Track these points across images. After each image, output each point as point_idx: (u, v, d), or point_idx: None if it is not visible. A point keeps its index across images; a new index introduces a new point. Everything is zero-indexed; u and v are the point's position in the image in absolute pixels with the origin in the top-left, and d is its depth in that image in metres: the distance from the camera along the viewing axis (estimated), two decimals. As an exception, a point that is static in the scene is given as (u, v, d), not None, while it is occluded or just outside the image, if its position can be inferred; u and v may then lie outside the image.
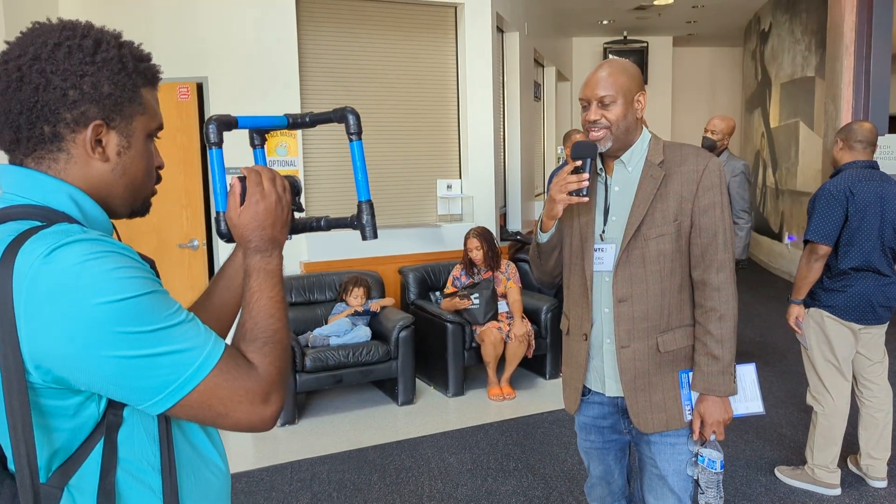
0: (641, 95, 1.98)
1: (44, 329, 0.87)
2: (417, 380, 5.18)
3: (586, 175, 1.90)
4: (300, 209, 1.28)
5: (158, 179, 1.13)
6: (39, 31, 0.98)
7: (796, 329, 3.43)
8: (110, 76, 0.99)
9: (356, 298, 4.93)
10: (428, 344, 5.04)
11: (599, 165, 2.05)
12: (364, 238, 1.29)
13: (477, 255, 4.96)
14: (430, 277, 5.39)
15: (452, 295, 4.99)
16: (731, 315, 1.96)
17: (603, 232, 2.03)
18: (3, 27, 4.78)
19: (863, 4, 6.93)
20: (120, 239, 1.10)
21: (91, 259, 0.88)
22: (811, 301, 3.37)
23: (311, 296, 5.10)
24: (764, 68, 10.16)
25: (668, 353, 2.00)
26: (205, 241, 5.27)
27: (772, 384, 5.02)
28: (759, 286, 8.48)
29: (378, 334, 4.83)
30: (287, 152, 5.20)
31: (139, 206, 1.11)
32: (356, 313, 4.87)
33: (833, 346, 3.31)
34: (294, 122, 1.31)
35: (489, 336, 4.75)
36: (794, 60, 8.74)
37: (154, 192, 1.13)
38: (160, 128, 1.10)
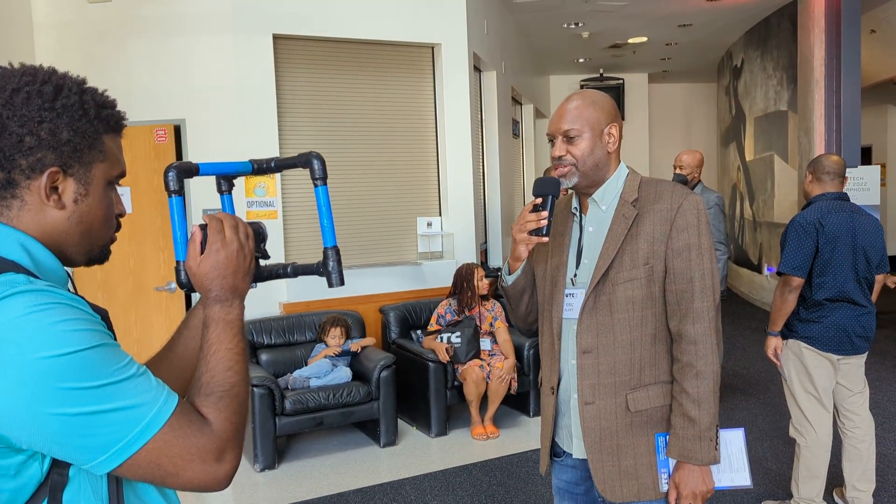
0: (613, 128, 1.85)
1: None
2: (400, 420, 5.11)
3: (546, 213, 1.79)
4: (265, 256, 1.26)
5: (118, 227, 1.11)
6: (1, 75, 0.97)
7: (775, 361, 3.43)
8: (70, 122, 0.98)
9: (335, 338, 4.88)
10: (410, 383, 4.99)
11: (575, 205, 1.95)
12: (330, 285, 1.27)
13: (483, 284, 4.96)
14: (411, 316, 5.36)
15: (435, 332, 4.95)
16: (709, 372, 1.76)
17: (574, 276, 1.89)
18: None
19: (831, 39, 7.11)
20: (75, 288, 1.08)
21: (35, 311, 0.85)
22: (788, 332, 3.37)
23: (291, 337, 5.05)
24: (738, 103, 10.35)
25: (641, 413, 1.82)
26: (183, 284, 5.21)
27: (756, 416, 5.00)
28: (740, 318, 8.51)
29: (359, 375, 4.78)
30: (265, 193, 5.20)
31: (96, 254, 1.08)
32: (337, 354, 4.82)
33: (812, 377, 3.31)
34: (259, 168, 1.29)
35: (471, 374, 4.71)
36: (766, 95, 8.91)
37: (113, 240, 1.10)
38: (122, 175, 1.09)
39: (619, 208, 1.86)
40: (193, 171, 1.18)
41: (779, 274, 3.33)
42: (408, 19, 5.60)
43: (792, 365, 3.37)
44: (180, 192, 1.15)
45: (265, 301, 5.21)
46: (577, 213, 1.95)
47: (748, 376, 6.03)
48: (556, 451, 2.01)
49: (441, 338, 4.89)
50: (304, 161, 1.25)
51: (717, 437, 1.80)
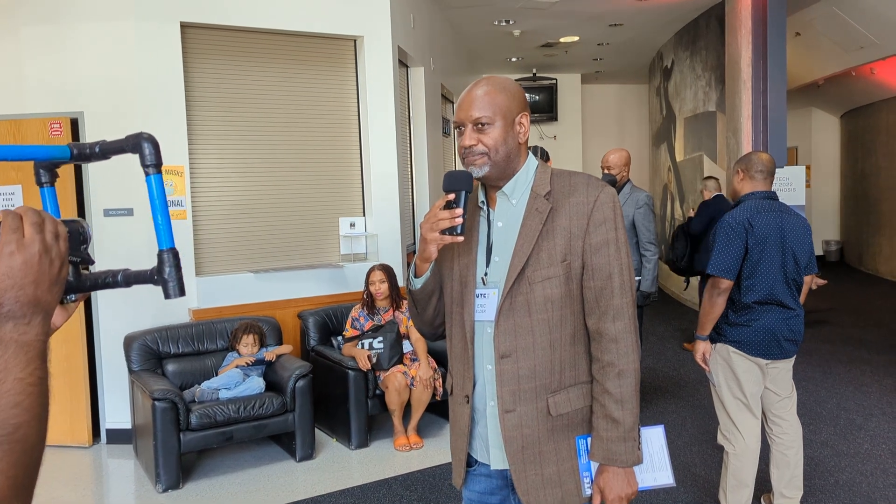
0: (524, 117, 1.74)
1: None
2: (320, 432, 4.84)
3: (460, 210, 1.64)
4: (87, 261, 1.00)
5: None
6: None
7: (704, 366, 3.31)
8: None
9: (247, 346, 4.57)
10: (329, 393, 4.71)
11: (482, 198, 1.80)
12: (167, 296, 1.02)
13: (380, 288, 4.68)
14: (332, 321, 5.08)
15: (354, 339, 4.69)
16: (631, 370, 1.68)
17: (485, 275, 1.75)
18: None
19: (758, 40, 7.14)
20: None
21: None
22: (717, 336, 3.25)
23: (201, 345, 4.71)
24: (668, 104, 10.41)
25: (562, 417, 1.72)
26: (81, 290, 4.81)
27: (685, 420, 4.91)
28: (671, 318, 8.52)
29: (273, 385, 4.48)
30: (173, 191, 4.84)
31: None
32: (250, 363, 4.50)
33: (741, 382, 3.19)
34: (80, 154, 1.04)
35: (393, 382, 4.47)
36: (695, 96, 8.96)
37: None
38: None
39: (530, 202, 1.74)
40: None
41: (707, 276, 3.20)
42: (328, 10, 5.32)
43: (720, 370, 3.25)
44: None
45: (172, 307, 4.85)
46: (485, 208, 1.80)
47: (678, 378, 5.97)
48: (467, 462, 1.86)
49: (362, 343, 4.64)
50: (132, 144, 1.01)
51: (639, 437, 1.73)
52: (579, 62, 11.26)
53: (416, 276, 1.81)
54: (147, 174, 1.01)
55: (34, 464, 0.80)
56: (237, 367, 4.47)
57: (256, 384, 4.39)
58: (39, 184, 1.07)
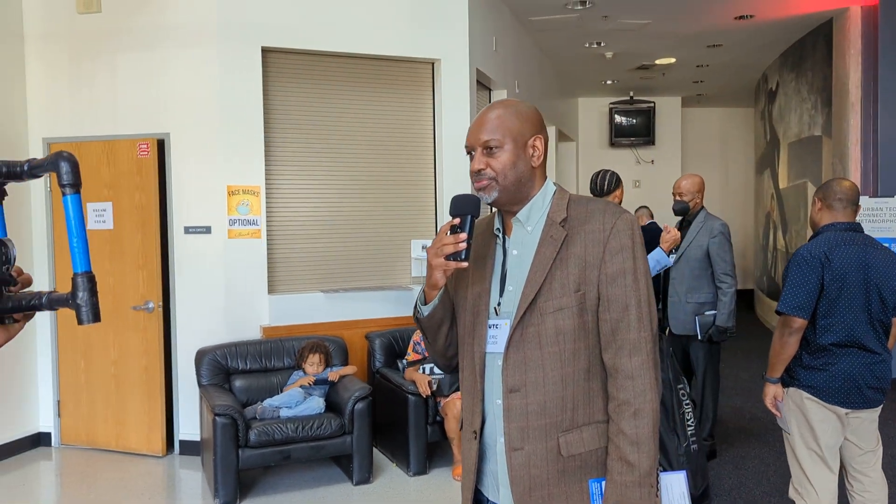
0: (538, 140, 1.66)
1: None
2: (380, 455, 4.79)
3: (464, 235, 1.57)
4: (7, 282, 0.99)
5: None
6: None
7: (775, 411, 3.03)
8: None
9: (313, 366, 4.59)
10: (391, 416, 4.66)
11: (497, 225, 1.73)
12: (80, 321, 0.99)
13: None
14: (398, 343, 5.04)
15: (416, 363, 4.63)
16: (648, 410, 1.57)
17: (498, 304, 1.67)
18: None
19: (868, 60, 6.65)
20: None
21: None
22: (790, 380, 2.97)
23: (269, 363, 4.78)
24: (772, 128, 9.87)
25: (574, 458, 1.62)
26: (160, 304, 5.00)
27: (767, 467, 4.53)
28: (764, 353, 7.95)
29: (333, 406, 4.47)
30: (249, 211, 4.97)
31: None
32: (312, 383, 4.52)
33: (816, 432, 2.89)
34: (10, 172, 1.01)
35: (452, 409, 4.36)
36: (801, 119, 8.43)
37: None
38: None
39: (546, 229, 1.66)
40: None
41: (778, 314, 2.94)
42: (405, 33, 5.36)
43: (793, 417, 2.96)
44: None
45: (245, 324, 4.96)
46: (501, 235, 1.73)
47: (766, 420, 5.53)
48: (478, 500, 1.77)
49: (423, 368, 4.57)
50: (51, 163, 0.98)
51: (657, 482, 1.61)
52: (678, 85, 10.88)
53: (423, 304, 1.74)
54: (63, 194, 0.98)
55: None
56: (300, 386, 4.50)
57: (316, 404, 4.40)
58: None
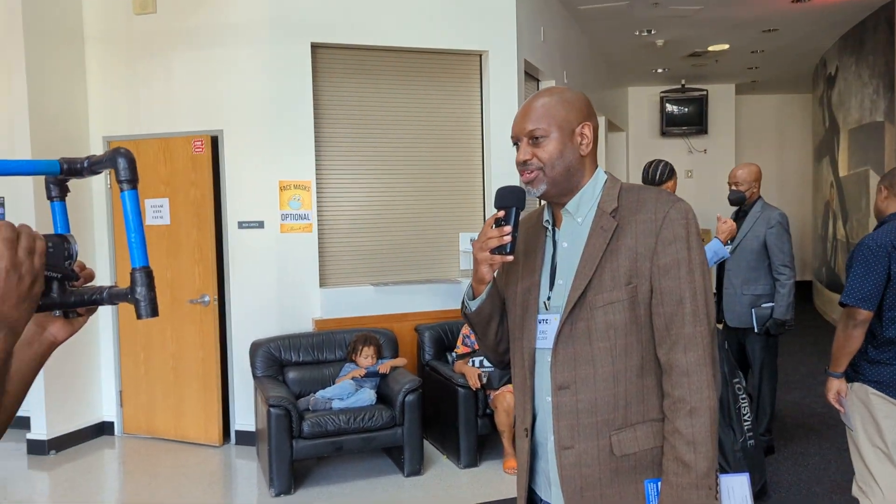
0: (586, 127, 1.61)
1: None
2: (430, 447, 4.82)
3: (509, 228, 1.55)
4: (70, 277, 1.00)
5: None
6: None
7: (838, 406, 2.93)
8: None
9: (366, 358, 4.64)
10: (441, 409, 4.68)
11: (547, 217, 1.69)
12: (139, 316, 1.00)
13: None
14: (447, 336, 5.06)
15: (466, 356, 4.64)
16: (705, 408, 1.50)
17: (548, 299, 1.63)
18: (25, 82, 4.86)
19: (933, 42, 6.37)
20: None
21: None
22: (854, 374, 2.87)
23: (321, 355, 4.85)
24: (831, 114, 9.54)
25: (628, 458, 1.56)
26: (216, 297, 5.12)
27: (828, 464, 4.40)
28: (827, 347, 7.71)
29: (384, 398, 4.51)
30: (300, 205, 5.03)
31: None
32: (363, 375, 4.57)
33: (881, 428, 2.80)
34: (70, 169, 1.03)
35: (502, 402, 4.36)
36: (861, 105, 8.13)
37: None
38: None
39: (596, 219, 1.61)
40: None
41: (842, 305, 2.84)
42: (452, 26, 5.35)
43: (857, 412, 2.86)
44: None
45: (297, 317, 5.04)
46: (550, 227, 1.69)
47: (827, 416, 5.37)
48: (532, 500, 1.74)
49: (473, 361, 4.57)
50: (109, 159, 1.00)
51: (717, 485, 1.53)
52: (732, 71, 10.60)
53: (471, 299, 1.72)
54: (121, 190, 0.99)
55: None
56: (351, 378, 4.55)
57: (367, 396, 4.44)
58: (49, 198, 1.07)
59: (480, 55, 5.56)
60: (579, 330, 1.56)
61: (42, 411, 4.95)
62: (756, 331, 4.32)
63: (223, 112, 5.07)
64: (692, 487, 1.49)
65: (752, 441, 3.59)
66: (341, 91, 5.24)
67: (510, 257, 1.57)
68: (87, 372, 5.32)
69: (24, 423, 4.99)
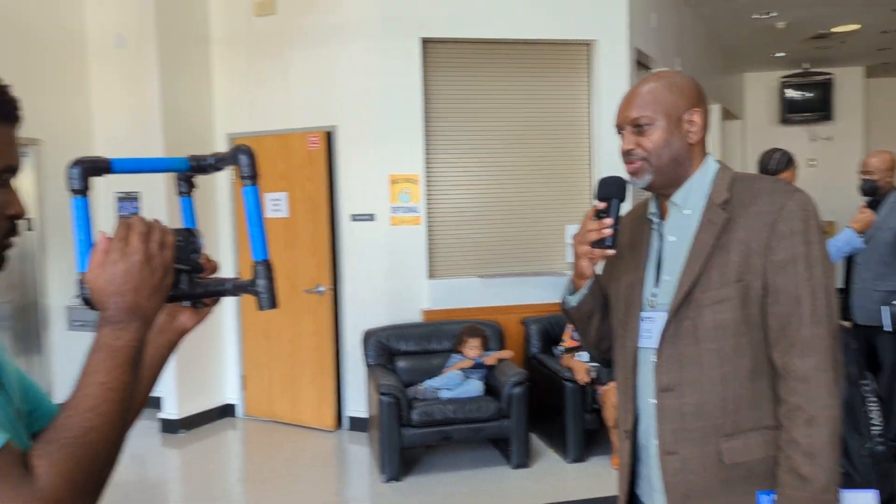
0: (695, 114, 1.52)
1: None
2: (538, 441, 4.82)
3: (609, 221, 1.50)
4: (197, 269, 1.07)
5: (13, 232, 0.94)
6: None
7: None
8: None
9: (472, 349, 4.69)
10: (547, 402, 4.67)
11: (653, 209, 1.61)
12: (260, 307, 1.06)
13: None
14: (553, 329, 5.04)
15: (573, 350, 4.60)
16: (825, 417, 1.40)
17: (653, 296, 1.56)
18: (158, 83, 5.20)
19: None
20: None
21: None
22: None
23: (429, 345, 4.94)
24: (977, 96, 8.76)
25: (739, 467, 1.47)
26: (330, 287, 5.31)
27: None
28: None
29: (491, 389, 4.55)
30: (409, 198, 5.14)
31: None
32: (470, 366, 4.63)
33: None
34: (198, 166, 1.10)
35: (611, 398, 4.29)
36: None
37: (6, 246, 0.94)
38: (7, 170, 0.92)
39: (705, 212, 1.52)
40: (103, 168, 0.98)
41: None
42: (560, 16, 5.29)
43: None
44: (83, 192, 0.96)
45: (406, 307, 5.16)
46: (656, 220, 1.61)
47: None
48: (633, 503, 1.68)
49: (580, 356, 4.53)
50: (232, 156, 1.06)
51: (838, 501, 1.43)
52: (861, 54, 9.92)
53: (571, 294, 1.68)
54: (244, 185, 1.04)
55: (100, 469, 0.84)
56: (459, 369, 4.61)
57: (475, 387, 4.50)
58: (178, 194, 1.15)
59: (588, 45, 5.47)
60: (685, 329, 1.49)
61: (173, 393, 5.31)
62: (888, 329, 4.06)
63: (337, 108, 5.25)
64: (810, 502, 1.40)
65: (881, 447, 3.37)
66: (449, 85, 5.31)
67: (611, 251, 1.52)
68: (213, 357, 5.65)
69: (157, 404, 5.36)
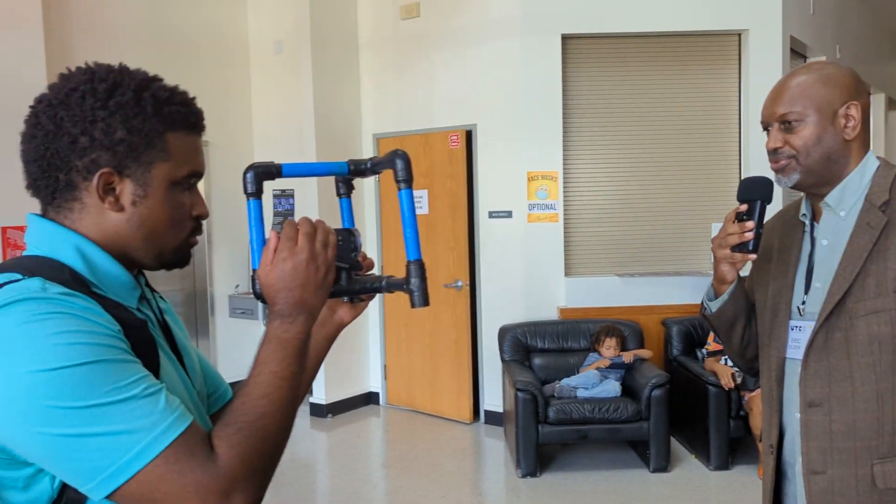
0: (852, 108, 1.41)
1: None
2: (678, 445, 4.70)
3: (751, 224, 1.42)
4: (355, 267, 1.14)
5: (196, 230, 1.04)
6: (67, 76, 0.96)
7: None
8: (124, 121, 0.92)
9: (608, 349, 4.65)
10: (689, 406, 4.54)
11: (804, 210, 1.53)
12: (412, 305, 1.11)
13: None
14: (696, 332, 4.88)
15: (718, 353, 4.44)
16: None
17: (802, 304, 1.48)
18: (311, 89, 5.51)
19: None
20: (152, 291, 1.07)
21: (32, 321, 0.81)
22: None
23: (565, 343, 4.94)
24: None
25: (894, 492, 1.36)
26: (468, 282, 5.43)
27: None
28: None
29: (629, 390, 4.49)
30: (547, 195, 5.15)
31: (168, 258, 1.02)
32: (607, 366, 4.58)
33: None
34: (356, 170, 1.16)
35: (758, 404, 4.11)
36: None
37: (190, 244, 1.04)
38: (194, 175, 1.01)
39: (862, 214, 1.42)
40: (274, 172, 1.07)
41: None
42: (708, 5, 5.09)
43: None
44: (257, 194, 1.05)
45: (542, 305, 5.18)
46: (808, 222, 1.52)
47: None
48: None
49: (725, 360, 4.36)
50: (389, 160, 1.10)
51: None
52: None
53: (711, 300, 1.61)
54: (399, 188, 1.09)
55: (271, 452, 0.90)
56: (596, 368, 4.58)
57: (613, 387, 4.45)
58: (338, 195, 1.22)
59: (739, 34, 5.23)
60: (836, 341, 1.40)
61: (322, 380, 5.63)
62: None
63: (477, 107, 5.34)
64: None
65: None
66: (589, 80, 5.26)
67: (752, 256, 1.45)
68: (358, 347, 5.94)
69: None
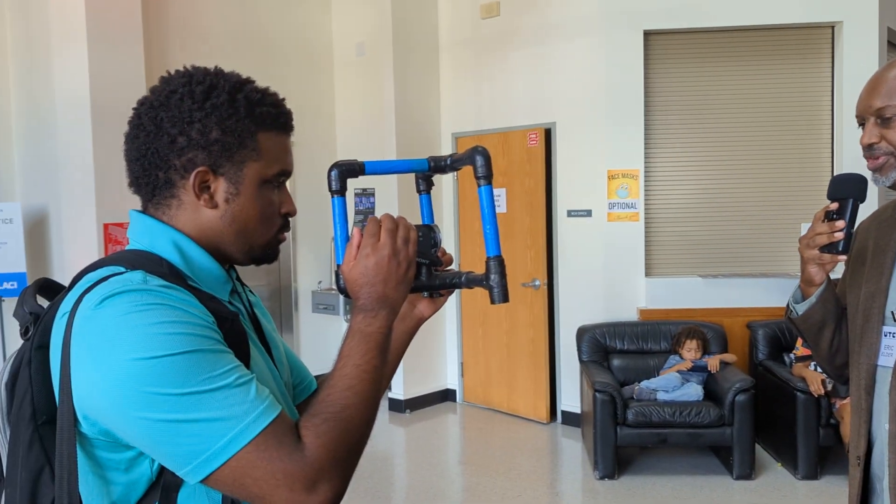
0: None
1: (86, 380, 0.86)
2: (761, 451, 4.55)
3: (842, 223, 1.37)
4: (435, 263, 1.15)
5: (285, 227, 1.09)
6: (167, 79, 1.01)
7: None
8: (219, 121, 0.97)
9: (690, 352, 4.54)
10: (775, 413, 4.39)
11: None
12: (492, 301, 1.11)
13: None
14: (784, 336, 4.70)
15: (806, 358, 4.27)
16: None
17: None
18: (393, 89, 5.61)
19: None
20: (242, 285, 1.13)
21: (135, 311, 0.86)
22: None
23: (645, 344, 4.86)
24: None
25: None
26: (546, 281, 5.41)
27: None
28: None
29: (712, 394, 4.37)
30: (628, 194, 5.07)
31: (259, 254, 1.07)
32: (689, 369, 4.48)
33: None
34: (436, 166, 1.18)
35: (849, 413, 3.93)
36: None
37: (279, 240, 1.09)
38: (283, 174, 1.05)
39: None
40: (358, 170, 1.09)
41: None
42: (801, -2, 4.90)
43: None
44: (341, 192, 1.08)
45: (622, 305, 5.11)
46: None
47: None
48: None
49: (815, 366, 4.19)
50: (468, 157, 1.11)
51: None
52: None
53: (797, 302, 1.54)
54: (479, 185, 1.09)
55: (356, 443, 0.93)
56: (677, 371, 4.49)
57: (694, 391, 4.35)
58: (418, 191, 1.25)
59: (832, 27, 5.01)
60: None
61: (401, 375, 5.72)
62: None
63: (556, 105, 5.31)
64: None
65: None
66: (672, 77, 5.14)
67: (842, 257, 1.39)
68: (436, 344, 6.01)
69: (385, 384, 5.82)
